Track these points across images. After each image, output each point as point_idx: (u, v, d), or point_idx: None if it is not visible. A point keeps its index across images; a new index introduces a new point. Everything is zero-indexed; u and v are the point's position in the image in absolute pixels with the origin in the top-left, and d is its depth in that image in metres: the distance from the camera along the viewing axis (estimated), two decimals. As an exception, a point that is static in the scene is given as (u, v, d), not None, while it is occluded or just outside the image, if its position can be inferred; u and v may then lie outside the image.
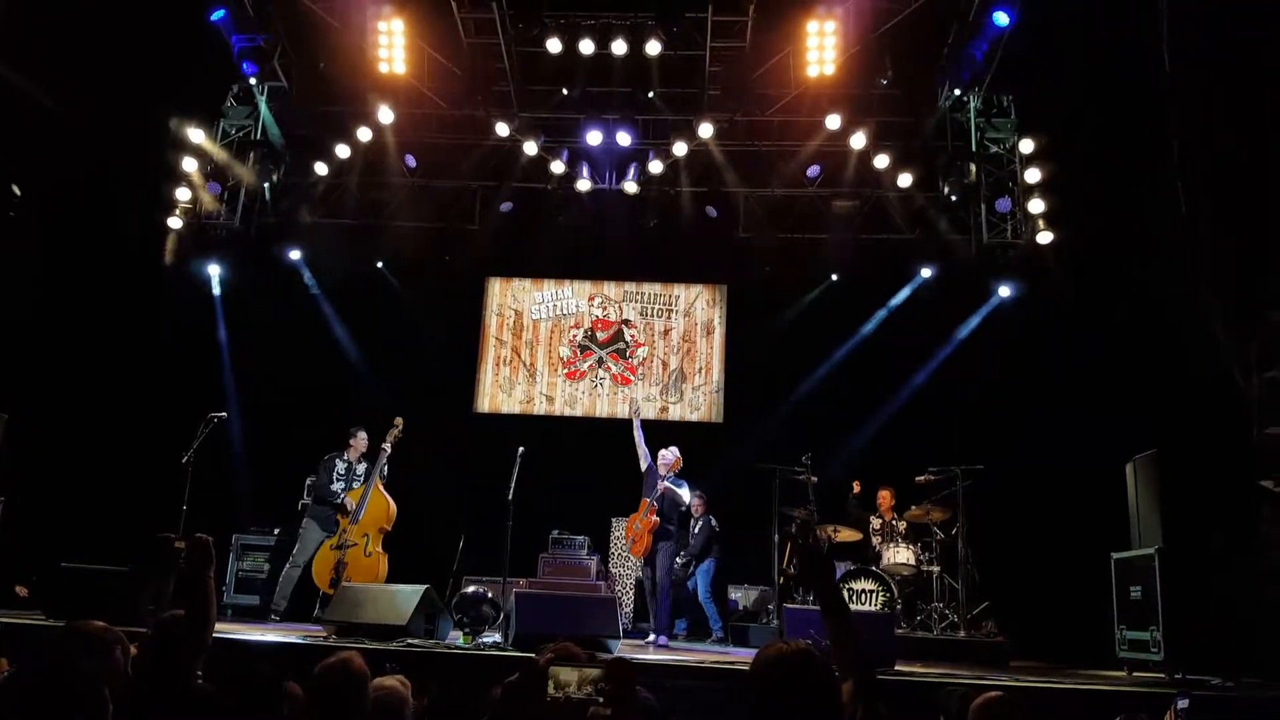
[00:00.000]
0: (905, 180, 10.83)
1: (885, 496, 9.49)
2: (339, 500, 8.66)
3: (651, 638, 8.24)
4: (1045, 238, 10.35)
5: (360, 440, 9.03)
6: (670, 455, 8.55)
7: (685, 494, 8.56)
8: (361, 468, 8.97)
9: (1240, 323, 6.81)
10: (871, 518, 9.54)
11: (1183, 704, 4.16)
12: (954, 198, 10.78)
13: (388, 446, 8.52)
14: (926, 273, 11.27)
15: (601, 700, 2.26)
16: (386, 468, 8.61)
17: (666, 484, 8.37)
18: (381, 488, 8.54)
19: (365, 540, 8.31)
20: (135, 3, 9.34)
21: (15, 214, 9.35)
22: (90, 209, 10.22)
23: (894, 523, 9.34)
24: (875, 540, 9.35)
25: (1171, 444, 7.51)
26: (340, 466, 8.93)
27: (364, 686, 3.05)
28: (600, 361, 12.07)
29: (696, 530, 9.68)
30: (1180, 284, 7.42)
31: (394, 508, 8.58)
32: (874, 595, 8.68)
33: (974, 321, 10.90)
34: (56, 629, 3.54)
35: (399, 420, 8.65)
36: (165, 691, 3.11)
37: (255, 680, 3.29)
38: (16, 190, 9.33)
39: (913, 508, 9.10)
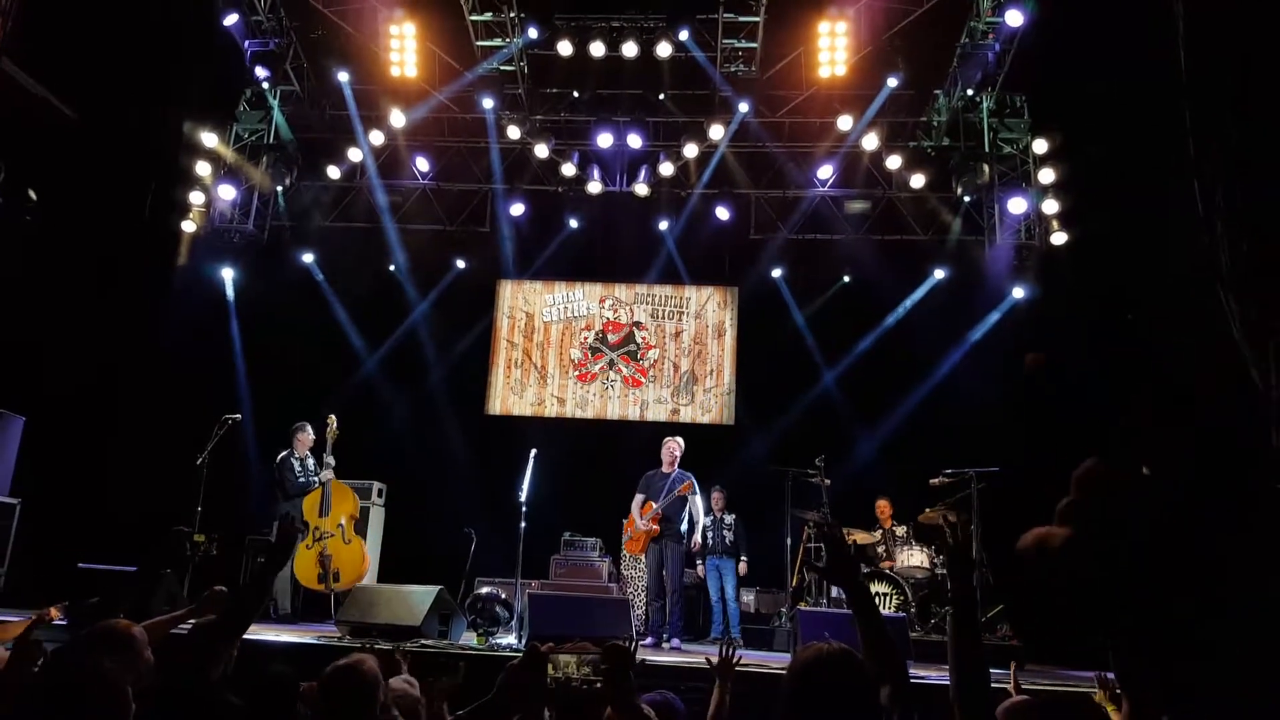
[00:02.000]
0: (918, 181, 10.80)
1: (883, 507, 9.43)
2: (315, 484, 8.70)
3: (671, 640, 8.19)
4: (1059, 238, 10.31)
5: (306, 436, 9.04)
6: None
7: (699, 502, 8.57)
8: (311, 462, 9.00)
9: (1259, 323, 6.76)
10: (872, 530, 9.48)
11: None
12: (967, 198, 10.75)
13: (330, 441, 8.64)
14: (940, 274, 11.23)
15: (599, 682, 2.29)
16: (333, 459, 8.68)
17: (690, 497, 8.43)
18: (337, 480, 8.70)
19: (340, 530, 8.43)
20: (148, 8, 9.39)
21: (31, 218, 9.40)
22: (105, 213, 10.27)
23: (894, 529, 9.28)
24: (886, 547, 9.30)
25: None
26: (297, 465, 8.95)
27: (375, 689, 3.03)
28: (611, 364, 12.07)
29: (728, 525, 9.63)
30: (1197, 284, 7.36)
31: (356, 497, 8.86)
32: (888, 598, 8.63)
33: (988, 322, 10.85)
34: (80, 629, 3.54)
35: (331, 418, 8.72)
36: (186, 696, 3.10)
37: (270, 681, 3.28)
38: (32, 194, 9.38)
39: (927, 510, 9.05)
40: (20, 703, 2.49)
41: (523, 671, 2.28)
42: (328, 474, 8.61)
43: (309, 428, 9.06)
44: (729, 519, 9.64)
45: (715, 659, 3.47)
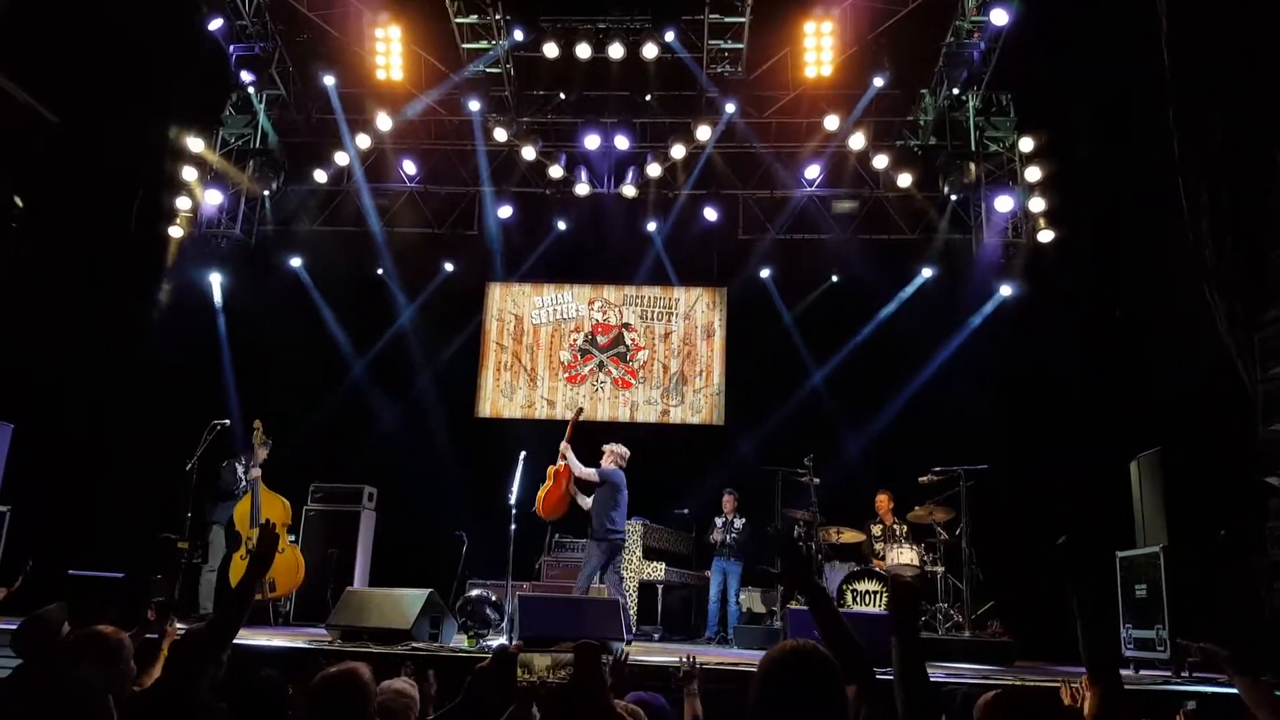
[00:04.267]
0: (905, 180, 10.82)
1: (883, 500, 9.44)
2: (243, 486, 8.74)
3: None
4: (1046, 236, 10.34)
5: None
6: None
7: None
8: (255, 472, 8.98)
9: (1244, 319, 6.79)
10: (871, 524, 9.49)
11: (1191, 706, 4.14)
12: (954, 197, 10.78)
13: (255, 447, 8.62)
14: (927, 272, 11.25)
15: (571, 683, 2.29)
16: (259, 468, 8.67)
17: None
18: (266, 488, 8.69)
19: None
20: (133, 13, 9.35)
21: (17, 225, 9.36)
22: (92, 219, 10.23)
23: (894, 526, 9.29)
24: (877, 546, 9.31)
25: (1176, 442, 7.49)
26: (240, 469, 8.95)
27: (367, 700, 2.96)
28: (601, 365, 12.07)
29: (738, 530, 9.63)
30: (1183, 280, 7.40)
31: (288, 504, 8.85)
32: (877, 596, 8.65)
33: (976, 321, 10.87)
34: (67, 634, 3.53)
35: (257, 422, 8.67)
36: (173, 704, 3.08)
37: (260, 685, 3.26)
38: (19, 201, 9.34)
39: (916, 508, 9.07)
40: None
41: (490, 674, 2.27)
42: (255, 472, 8.58)
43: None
44: (739, 523, 9.69)
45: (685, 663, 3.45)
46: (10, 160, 9.13)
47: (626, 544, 9.82)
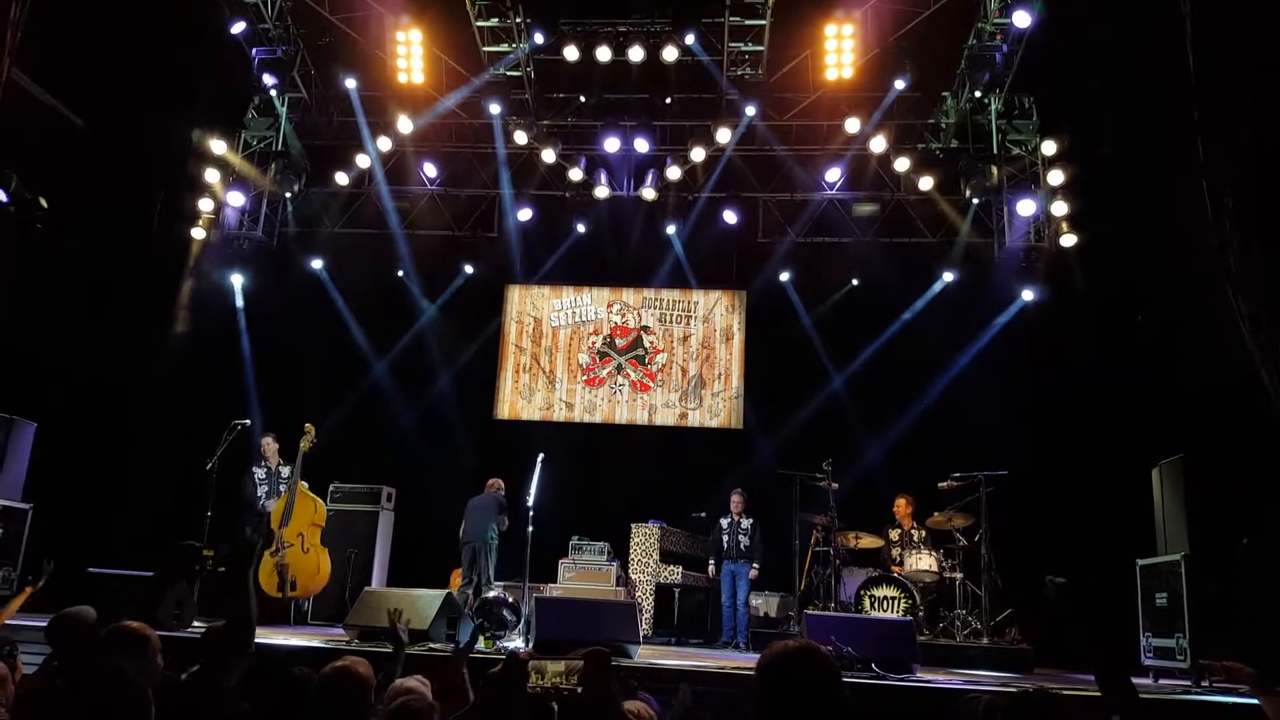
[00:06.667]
0: (926, 183, 10.76)
1: (902, 505, 9.38)
2: (261, 508, 8.89)
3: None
4: (1069, 240, 10.25)
5: (269, 446, 9.20)
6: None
7: None
8: (285, 471, 9.08)
9: (1267, 325, 6.71)
10: (889, 529, 9.43)
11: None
12: (976, 200, 10.70)
13: (301, 451, 8.69)
14: (948, 276, 11.16)
15: (581, 689, 2.29)
16: (300, 470, 8.76)
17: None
18: (305, 489, 8.77)
19: (300, 540, 8.56)
20: (156, 17, 9.45)
21: (43, 226, 9.48)
22: (115, 221, 10.34)
23: (912, 532, 9.24)
24: (895, 551, 9.25)
25: (1198, 448, 7.41)
26: (260, 474, 9.09)
27: (366, 693, 3.05)
28: (619, 368, 12.07)
29: (744, 530, 9.59)
30: (1206, 286, 7.32)
31: (322, 505, 8.92)
32: (896, 602, 8.60)
33: (997, 325, 10.78)
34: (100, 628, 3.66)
35: (309, 426, 8.74)
36: (203, 704, 3.13)
37: (291, 682, 3.31)
38: (44, 203, 9.46)
39: (935, 514, 9.01)
40: (42, 702, 2.52)
41: (501, 679, 2.28)
42: (290, 473, 8.67)
43: (269, 438, 9.23)
44: (746, 523, 9.62)
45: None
46: (35, 162, 9.23)
47: (644, 546, 9.91)
